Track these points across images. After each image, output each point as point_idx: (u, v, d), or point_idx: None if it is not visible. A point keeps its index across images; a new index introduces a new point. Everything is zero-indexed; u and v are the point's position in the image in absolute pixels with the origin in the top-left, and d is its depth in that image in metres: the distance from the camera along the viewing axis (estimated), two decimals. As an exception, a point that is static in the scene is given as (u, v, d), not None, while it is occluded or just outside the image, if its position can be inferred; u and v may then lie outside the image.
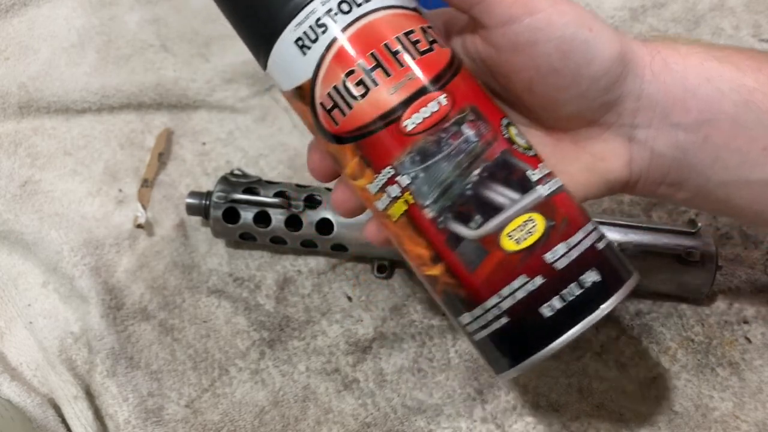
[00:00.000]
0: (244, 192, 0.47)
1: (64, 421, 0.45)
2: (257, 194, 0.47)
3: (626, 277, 0.32)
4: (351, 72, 0.30)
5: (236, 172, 0.48)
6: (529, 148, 0.32)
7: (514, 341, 0.30)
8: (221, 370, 0.46)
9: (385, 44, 0.30)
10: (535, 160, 0.31)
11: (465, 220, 0.30)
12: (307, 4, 0.30)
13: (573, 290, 0.29)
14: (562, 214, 0.30)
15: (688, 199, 0.34)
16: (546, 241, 0.30)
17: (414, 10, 0.32)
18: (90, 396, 0.45)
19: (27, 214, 0.50)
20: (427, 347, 0.47)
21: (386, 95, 0.30)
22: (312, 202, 0.47)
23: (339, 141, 0.32)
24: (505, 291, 0.30)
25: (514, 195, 0.30)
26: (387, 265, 0.48)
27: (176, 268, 0.49)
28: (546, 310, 0.29)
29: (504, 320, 0.30)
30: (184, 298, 0.48)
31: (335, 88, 0.31)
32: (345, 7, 0.31)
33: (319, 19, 0.30)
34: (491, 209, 0.30)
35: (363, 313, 0.48)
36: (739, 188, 0.32)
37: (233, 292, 0.48)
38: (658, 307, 0.47)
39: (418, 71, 0.30)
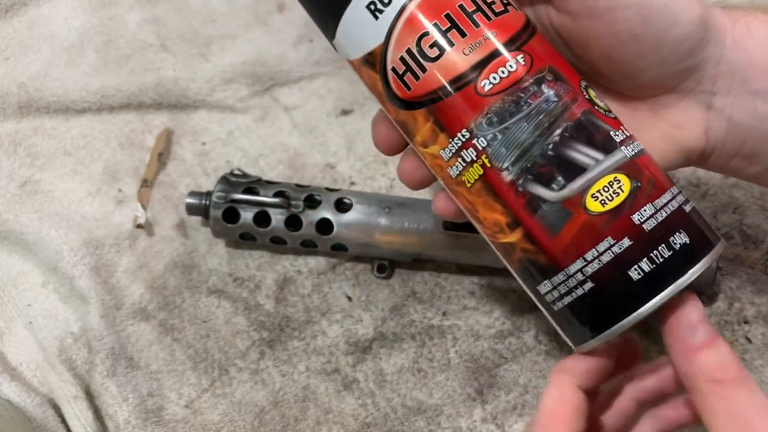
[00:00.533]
0: (244, 192, 0.47)
1: (63, 421, 0.45)
2: (257, 194, 0.47)
3: (714, 241, 0.30)
4: (425, 34, 0.29)
5: (236, 172, 0.48)
6: (609, 110, 0.31)
7: (599, 308, 0.29)
8: (221, 370, 0.46)
9: (460, 5, 0.29)
10: (617, 123, 0.30)
11: (546, 181, 0.29)
12: None
13: (662, 252, 0.28)
14: (648, 176, 0.29)
15: (759, 174, 0.33)
16: (633, 202, 0.28)
17: None
18: (90, 396, 0.45)
19: (27, 214, 0.50)
20: (427, 347, 0.47)
21: (462, 56, 0.29)
22: (312, 202, 0.47)
23: (410, 107, 0.31)
24: (590, 255, 0.28)
25: (599, 155, 0.29)
26: (387, 265, 0.48)
27: (176, 268, 0.49)
28: (634, 273, 0.28)
29: (588, 286, 0.28)
30: (183, 298, 0.48)
31: (408, 51, 0.30)
32: None
33: None
34: (575, 169, 0.29)
35: (363, 313, 0.48)
36: None
37: (233, 292, 0.48)
38: (658, 307, 0.47)
39: (493, 32, 0.29)
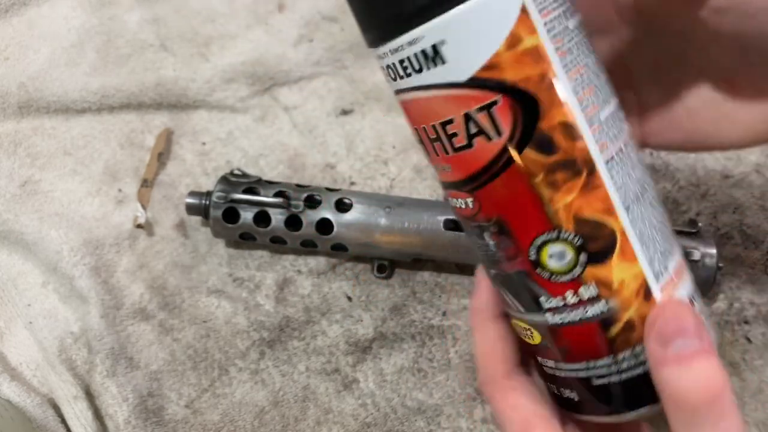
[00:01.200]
0: (244, 192, 0.47)
1: (63, 421, 0.45)
2: (257, 194, 0.47)
3: None
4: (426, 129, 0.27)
5: (236, 172, 0.48)
6: (563, 272, 0.27)
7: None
8: (221, 370, 0.46)
9: (432, 125, 0.27)
10: (562, 288, 0.27)
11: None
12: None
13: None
14: (564, 343, 0.28)
15: None
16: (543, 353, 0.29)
17: (471, 87, 0.26)
18: (90, 396, 0.45)
19: (27, 214, 0.50)
20: (427, 347, 0.47)
21: (440, 168, 0.28)
22: (312, 202, 0.47)
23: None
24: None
25: (520, 307, 0.29)
26: (387, 265, 0.48)
27: (176, 268, 0.49)
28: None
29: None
30: (183, 298, 0.48)
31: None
32: None
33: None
34: (507, 303, 0.29)
35: (363, 313, 0.48)
36: None
37: (233, 292, 0.48)
38: (658, 307, 0.47)
39: (452, 167, 0.27)
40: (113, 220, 0.50)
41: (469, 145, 0.26)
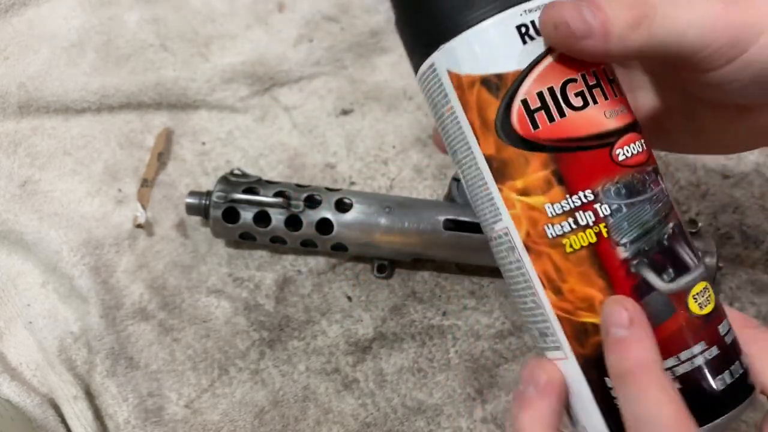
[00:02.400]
0: (244, 192, 0.47)
1: (63, 421, 0.45)
2: (257, 194, 0.47)
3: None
4: (572, 80, 0.28)
5: (236, 171, 0.48)
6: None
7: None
8: (221, 370, 0.46)
9: (605, 68, 0.29)
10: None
11: (659, 269, 0.28)
12: None
13: (738, 368, 0.29)
14: (716, 295, 0.30)
15: None
16: (717, 313, 0.29)
17: None
18: (90, 396, 0.45)
19: (26, 213, 0.50)
20: (427, 347, 0.47)
21: (604, 117, 0.28)
22: (312, 202, 0.47)
23: (530, 147, 0.28)
24: (685, 354, 0.28)
25: (695, 260, 0.29)
26: (387, 265, 0.48)
27: (176, 268, 0.49)
28: (718, 383, 0.28)
29: (677, 386, 0.28)
30: (183, 298, 0.48)
31: (551, 89, 0.28)
32: None
33: None
34: (683, 266, 0.28)
35: (363, 313, 0.48)
36: None
37: (233, 292, 0.48)
38: (658, 307, 0.47)
39: (626, 107, 0.29)
40: (113, 220, 0.50)
41: (625, 95, 0.29)
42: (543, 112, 0.28)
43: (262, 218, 0.47)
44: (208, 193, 0.47)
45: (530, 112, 0.28)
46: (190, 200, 0.48)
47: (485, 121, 0.28)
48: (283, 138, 0.54)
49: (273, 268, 0.49)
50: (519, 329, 0.47)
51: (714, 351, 0.28)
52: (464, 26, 0.28)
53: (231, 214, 0.47)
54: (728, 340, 0.29)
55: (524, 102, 0.28)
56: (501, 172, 0.29)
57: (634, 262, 0.28)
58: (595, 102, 0.28)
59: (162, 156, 0.52)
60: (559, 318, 0.29)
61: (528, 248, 0.29)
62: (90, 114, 0.54)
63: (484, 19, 0.28)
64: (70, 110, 0.54)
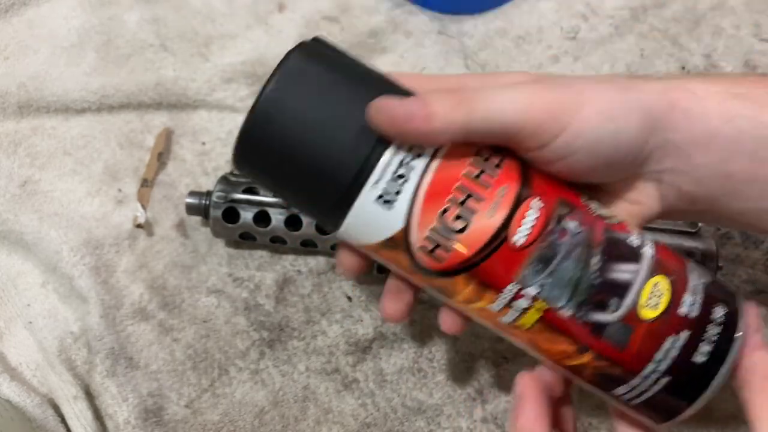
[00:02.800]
0: (244, 192, 0.47)
1: (63, 421, 0.45)
2: (257, 194, 0.47)
3: (737, 296, 0.32)
4: (445, 210, 0.30)
5: (236, 171, 0.48)
6: (613, 215, 0.32)
7: (678, 395, 0.31)
8: (221, 370, 0.46)
9: (466, 172, 0.30)
10: (625, 226, 0.32)
11: (603, 306, 0.30)
12: (378, 159, 0.30)
13: (713, 330, 0.30)
14: (672, 266, 0.31)
15: (711, 221, 0.37)
16: (675, 297, 0.30)
17: None
18: (90, 396, 0.45)
19: (26, 214, 0.50)
20: (427, 347, 0.47)
21: (487, 220, 0.30)
22: (312, 202, 0.47)
23: (447, 275, 0.31)
24: (659, 355, 0.30)
25: (634, 267, 0.31)
26: (387, 265, 0.48)
27: (176, 268, 0.49)
28: (699, 358, 0.30)
29: (664, 380, 0.31)
30: (183, 298, 0.48)
31: (433, 229, 0.30)
32: (416, 151, 0.30)
33: (396, 172, 0.30)
34: (621, 288, 0.30)
35: (363, 313, 0.48)
36: (759, 215, 0.33)
37: (233, 292, 0.48)
38: (658, 307, 0.46)
39: (504, 186, 0.30)
40: (113, 220, 0.50)
41: (503, 160, 0.32)
42: (439, 249, 0.30)
43: (262, 218, 0.47)
44: (208, 193, 0.47)
45: (430, 253, 0.31)
46: (190, 200, 0.48)
47: (405, 267, 0.32)
48: (283, 138, 0.53)
49: (273, 268, 0.49)
50: (519, 329, 0.47)
51: (683, 335, 0.30)
52: (342, 216, 0.31)
53: (231, 214, 0.47)
54: (693, 313, 0.30)
55: (422, 249, 0.31)
56: (441, 293, 0.33)
57: (579, 314, 0.30)
58: (472, 213, 0.30)
59: (162, 156, 0.52)
60: (556, 366, 0.33)
61: (502, 332, 0.33)
62: (90, 114, 0.54)
63: (350, 207, 0.31)
64: (70, 110, 0.54)
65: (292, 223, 0.46)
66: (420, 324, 0.47)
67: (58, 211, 0.51)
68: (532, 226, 0.30)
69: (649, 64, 0.54)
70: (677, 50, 0.54)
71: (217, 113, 0.54)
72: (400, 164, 0.30)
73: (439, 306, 0.46)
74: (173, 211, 0.51)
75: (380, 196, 0.30)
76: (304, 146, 0.30)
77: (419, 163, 0.30)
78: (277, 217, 0.46)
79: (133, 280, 0.49)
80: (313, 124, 0.30)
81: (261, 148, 0.31)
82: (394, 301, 0.36)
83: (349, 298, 0.48)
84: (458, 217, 0.30)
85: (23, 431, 0.42)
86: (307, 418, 0.45)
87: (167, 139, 0.53)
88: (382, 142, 0.30)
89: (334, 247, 0.47)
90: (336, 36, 0.56)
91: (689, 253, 0.43)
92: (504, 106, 0.30)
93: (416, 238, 0.31)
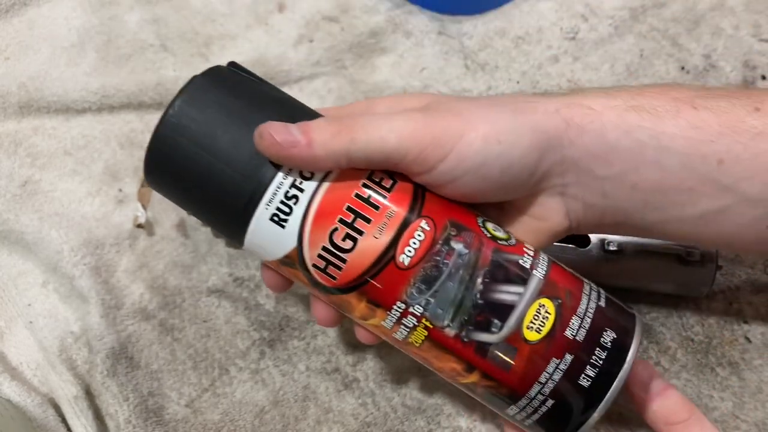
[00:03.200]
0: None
1: (64, 420, 0.45)
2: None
3: (632, 321, 0.33)
4: (334, 230, 0.31)
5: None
6: (509, 237, 0.33)
7: (564, 417, 0.32)
8: (221, 369, 0.46)
9: (356, 194, 0.32)
10: (521, 247, 0.33)
11: (486, 327, 0.31)
12: (271, 181, 0.32)
13: (599, 355, 0.31)
14: (563, 288, 0.32)
15: (629, 233, 0.37)
16: (561, 321, 0.31)
17: None
18: (90, 396, 0.46)
19: (27, 213, 0.50)
20: (427, 347, 0.47)
21: (374, 240, 0.31)
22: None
23: (341, 292, 0.33)
24: (543, 377, 0.31)
25: (519, 288, 0.31)
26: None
27: (176, 268, 0.49)
28: (584, 381, 0.31)
29: (550, 402, 0.31)
30: (184, 297, 0.48)
31: (324, 248, 0.32)
32: (307, 173, 0.32)
33: (287, 192, 0.32)
34: (505, 309, 0.31)
35: (363, 312, 0.48)
36: (672, 224, 0.34)
37: (233, 291, 0.48)
38: (658, 307, 0.47)
39: (392, 209, 0.32)
40: (113, 219, 0.50)
41: (395, 182, 0.33)
42: (331, 266, 0.32)
43: (262, 218, 0.47)
44: (209, 193, 0.47)
45: (323, 271, 0.32)
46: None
47: (306, 284, 0.34)
48: (283, 138, 0.54)
49: (273, 268, 0.49)
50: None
51: (567, 359, 0.31)
52: (242, 233, 0.33)
53: (231, 214, 0.47)
54: (580, 336, 0.31)
55: (315, 266, 0.32)
56: (340, 308, 0.34)
57: (463, 333, 0.31)
58: (360, 233, 0.31)
59: (162, 156, 0.52)
60: (453, 383, 0.34)
61: (400, 348, 0.34)
62: (90, 114, 0.54)
63: (247, 225, 0.32)
64: (71, 110, 0.54)
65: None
66: (420, 324, 0.47)
67: (59, 211, 0.51)
68: (417, 248, 0.31)
69: (648, 65, 0.54)
70: (677, 50, 0.54)
71: (217, 113, 0.54)
72: (292, 185, 0.32)
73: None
74: (173, 211, 0.51)
75: (274, 216, 0.32)
76: (203, 167, 0.32)
77: (310, 185, 0.32)
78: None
79: (134, 279, 0.49)
80: (210, 146, 0.32)
81: (165, 168, 0.33)
82: (324, 306, 0.36)
83: (349, 298, 0.48)
84: (347, 237, 0.31)
85: (24, 431, 0.43)
86: (307, 417, 0.45)
87: (167, 139, 0.53)
88: (275, 165, 0.32)
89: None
90: (336, 36, 0.56)
91: (689, 254, 0.43)
92: (384, 134, 0.31)
93: (309, 256, 0.32)
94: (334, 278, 0.32)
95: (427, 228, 0.31)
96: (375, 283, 0.32)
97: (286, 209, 0.32)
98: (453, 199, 0.33)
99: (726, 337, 0.46)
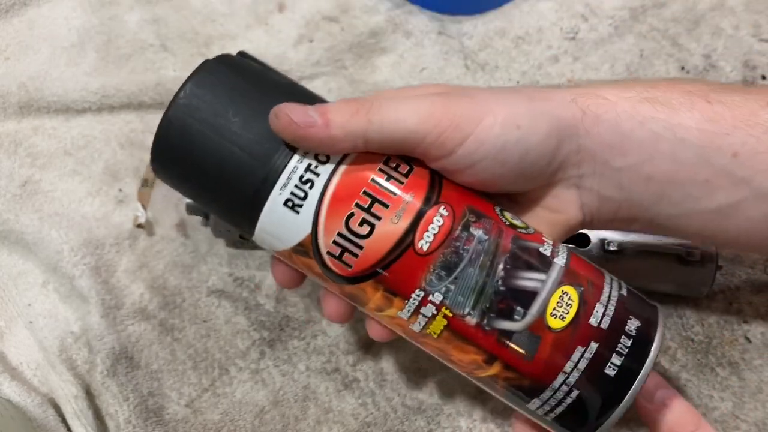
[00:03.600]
0: (244, 192, 0.47)
1: (64, 420, 0.45)
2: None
3: (655, 311, 0.32)
4: (350, 215, 0.31)
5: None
6: (527, 226, 0.33)
7: (591, 409, 0.31)
8: (221, 369, 0.46)
9: (373, 179, 0.31)
10: (539, 236, 0.32)
11: (508, 314, 0.30)
12: (285, 165, 0.31)
13: (625, 343, 0.30)
14: (585, 277, 0.31)
15: (643, 229, 0.36)
16: (585, 308, 0.30)
17: None
18: (90, 395, 0.46)
19: (27, 214, 0.50)
20: (427, 347, 0.47)
21: (392, 226, 0.30)
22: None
23: (356, 281, 0.32)
24: (569, 367, 0.30)
25: (541, 275, 0.31)
26: (387, 264, 0.48)
27: (176, 268, 0.49)
28: (610, 370, 0.30)
29: (575, 393, 0.30)
30: (184, 297, 0.48)
31: (339, 234, 0.31)
32: (323, 157, 0.31)
33: (302, 177, 0.31)
34: (528, 296, 0.30)
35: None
36: (687, 219, 0.33)
37: (233, 291, 0.48)
38: (657, 306, 0.47)
39: (411, 193, 0.31)
40: (113, 219, 0.50)
41: (411, 169, 0.33)
42: (346, 253, 0.31)
43: (262, 218, 0.47)
44: (209, 193, 0.47)
45: (338, 258, 0.31)
46: (190, 200, 0.48)
47: (318, 275, 0.33)
48: (283, 138, 0.54)
49: (273, 268, 0.49)
50: (519, 329, 0.47)
51: (593, 347, 0.30)
52: (253, 221, 0.32)
53: (231, 214, 0.47)
54: (605, 324, 0.30)
55: (330, 254, 0.31)
56: (354, 300, 0.33)
57: (484, 321, 0.30)
58: (378, 219, 0.30)
59: (162, 156, 0.52)
60: (470, 377, 0.33)
61: (415, 341, 0.33)
62: (90, 114, 0.54)
63: (260, 212, 0.31)
64: (71, 110, 0.54)
65: (293, 223, 0.46)
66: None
67: (59, 211, 0.51)
68: (437, 233, 0.30)
69: (648, 65, 0.54)
70: (677, 50, 0.54)
71: (217, 113, 0.54)
72: (307, 169, 0.31)
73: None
74: (174, 211, 0.51)
75: (288, 200, 0.31)
76: (213, 151, 0.31)
77: (326, 169, 0.31)
78: (278, 217, 0.46)
79: (134, 279, 0.49)
80: (222, 128, 0.31)
81: (174, 155, 0.32)
82: (336, 300, 0.35)
83: (349, 298, 0.48)
84: (364, 223, 0.30)
85: (24, 431, 0.43)
86: (307, 417, 0.45)
87: (167, 139, 0.53)
88: (289, 148, 0.31)
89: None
90: (336, 36, 0.56)
91: (689, 254, 0.43)
92: (403, 115, 0.31)
93: (324, 243, 0.31)
94: (349, 266, 0.31)
95: (446, 213, 0.31)
96: (393, 270, 0.31)
97: (301, 194, 0.31)
98: (470, 186, 0.33)
99: (726, 337, 0.46)
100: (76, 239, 0.49)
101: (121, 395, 0.45)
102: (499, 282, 0.30)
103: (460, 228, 0.31)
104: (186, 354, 0.47)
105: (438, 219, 0.31)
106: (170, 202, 0.51)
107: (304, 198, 0.31)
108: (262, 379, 0.46)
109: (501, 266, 0.30)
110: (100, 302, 0.47)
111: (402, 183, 0.31)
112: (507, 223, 0.32)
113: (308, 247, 0.31)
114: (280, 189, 0.31)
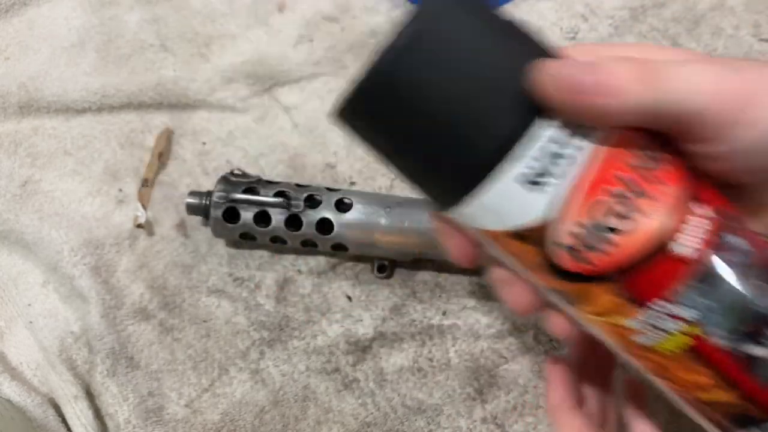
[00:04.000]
0: (244, 192, 0.47)
1: (64, 420, 0.45)
2: (257, 194, 0.47)
3: None
4: (602, 204, 0.25)
5: (236, 171, 0.48)
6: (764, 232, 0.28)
7: None
8: (221, 369, 0.46)
9: (631, 163, 0.26)
10: None
11: (761, 339, 0.26)
12: (531, 132, 0.25)
13: None
14: None
15: None
16: None
17: None
18: (90, 396, 0.46)
19: (27, 214, 0.50)
20: (427, 347, 0.47)
21: (653, 223, 0.25)
22: (312, 202, 0.47)
23: (587, 281, 0.26)
24: None
25: None
26: (387, 265, 0.48)
27: (176, 268, 0.49)
28: None
29: None
30: (184, 297, 0.48)
31: (582, 225, 0.25)
32: (580, 131, 0.25)
33: (550, 150, 0.25)
34: None
35: (363, 312, 0.48)
36: None
37: (233, 292, 0.48)
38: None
39: (671, 185, 0.26)
40: (113, 219, 0.50)
41: (662, 155, 0.27)
42: (586, 249, 0.26)
43: (262, 218, 0.47)
44: (209, 193, 0.47)
45: (572, 252, 0.26)
46: (190, 200, 0.48)
47: (534, 264, 0.27)
48: (283, 138, 0.54)
49: (273, 268, 0.49)
50: (519, 329, 0.47)
51: None
52: (468, 193, 0.26)
53: (231, 214, 0.47)
54: None
55: (563, 245, 0.26)
56: (569, 299, 0.28)
57: (733, 345, 0.26)
58: (633, 211, 0.25)
59: (162, 156, 0.52)
60: (682, 399, 0.28)
61: (627, 352, 0.28)
62: (90, 114, 0.54)
63: (490, 183, 0.26)
64: (71, 110, 0.54)
65: (293, 223, 0.47)
66: (420, 324, 0.47)
67: (59, 211, 0.51)
68: (698, 236, 0.25)
69: (648, 65, 0.54)
70: (677, 50, 0.54)
71: (217, 113, 0.54)
72: (558, 141, 0.25)
73: (438, 307, 0.46)
74: (174, 211, 0.51)
75: (526, 175, 0.25)
76: (440, 102, 0.25)
77: (583, 144, 0.25)
78: (277, 217, 0.46)
79: (134, 279, 0.49)
80: (455, 76, 0.25)
81: (385, 97, 0.26)
82: (523, 290, 0.30)
83: (349, 298, 0.48)
84: (615, 214, 0.25)
85: (24, 431, 0.43)
86: (307, 417, 0.45)
87: (167, 139, 0.53)
88: (539, 112, 0.25)
89: (334, 247, 0.47)
90: (336, 36, 0.56)
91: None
92: (693, 86, 0.25)
93: (559, 231, 0.26)
94: (583, 262, 0.26)
95: (706, 213, 0.26)
96: (638, 273, 0.25)
97: (546, 169, 0.25)
98: (716, 177, 0.27)
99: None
100: (76, 239, 0.49)
101: (121, 395, 0.45)
102: (756, 301, 0.26)
103: (722, 232, 0.26)
104: (186, 354, 0.47)
105: (697, 220, 0.26)
106: (170, 202, 0.51)
107: (548, 175, 0.25)
108: (262, 379, 0.46)
109: (759, 283, 0.26)
110: (100, 302, 0.47)
111: (657, 171, 0.26)
112: (751, 229, 0.27)
113: (534, 233, 0.26)
114: (519, 160, 0.25)
